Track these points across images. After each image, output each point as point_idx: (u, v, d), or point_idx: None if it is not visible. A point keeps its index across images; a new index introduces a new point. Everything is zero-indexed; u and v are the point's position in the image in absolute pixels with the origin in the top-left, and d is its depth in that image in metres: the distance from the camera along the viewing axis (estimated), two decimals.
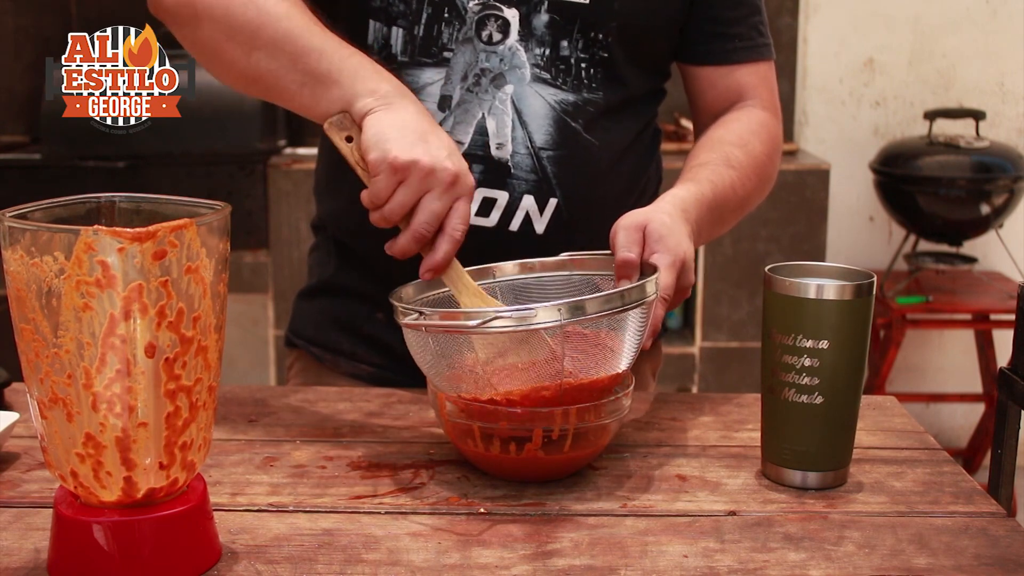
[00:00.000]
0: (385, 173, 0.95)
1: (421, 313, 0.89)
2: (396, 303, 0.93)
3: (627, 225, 1.00)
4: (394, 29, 1.14)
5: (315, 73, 1.00)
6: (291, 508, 0.87)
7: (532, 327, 0.86)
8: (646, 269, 0.99)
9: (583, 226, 1.15)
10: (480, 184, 1.13)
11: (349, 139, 0.98)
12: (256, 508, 0.87)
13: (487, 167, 1.13)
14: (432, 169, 0.94)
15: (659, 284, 0.94)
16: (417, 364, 0.95)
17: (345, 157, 0.99)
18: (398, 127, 0.96)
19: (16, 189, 2.79)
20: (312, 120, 1.03)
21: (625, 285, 0.97)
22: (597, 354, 0.91)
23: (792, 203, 2.85)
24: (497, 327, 0.86)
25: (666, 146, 2.78)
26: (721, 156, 1.15)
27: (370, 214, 0.98)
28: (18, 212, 0.72)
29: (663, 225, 1.00)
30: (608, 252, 1.02)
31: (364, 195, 0.97)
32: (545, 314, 0.86)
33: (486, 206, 1.14)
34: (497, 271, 1.04)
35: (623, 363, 0.93)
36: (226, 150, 2.80)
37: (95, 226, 0.68)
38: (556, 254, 1.06)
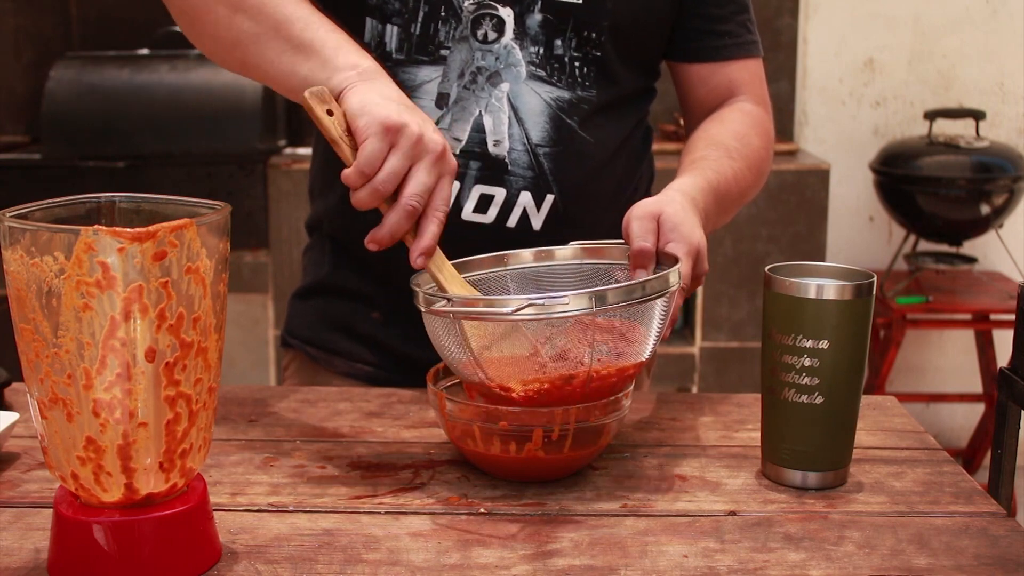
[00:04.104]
0: (376, 135, 0.91)
1: (449, 300, 0.89)
2: (417, 288, 0.92)
3: (640, 215, 1.00)
4: (388, 27, 1.15)
5: (297, 41, 1.00)
6: (291, 508, 0.87)
7: (564, 315, 0.86)
8: (662, 258, 0.99)
9: (579, 222, 1.16)
10: (478, 181, 1.14)
11: (330, 113, 0.94)
12: (256, 508, 0.87)
13: (484, 164, 1.14)
14: (421, 136, 0.92)
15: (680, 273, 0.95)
16: (437, 352, 0.95)
17: (326, 131, 0.93)
18: (382, 97, 0.94)
19: (16, 189, 2.79)
20: (285, 94, 1.02)
21: (642, 274, 0.98)
22: (624, 342, 0.91)
23: (792, 203, 2.85)
24: (528, 315, 0.85)
25: (666, 146, 2.78)
26: (721, 150, 1.17)
27: (354, 194, 0.92)
28: (18, 212, 0.72)
29: (676, 214, 1.00)
30: (621, 241, 1.02)
31: (350, 171, 0.91)
32: (577, 302, 0.86)
33: (483, 203, 1.14)
34: (510, 259, 1.04)
35: (646, 351, 0.93)
36: (226, 150, 2.80)
37: (95, 226, 0.67)
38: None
